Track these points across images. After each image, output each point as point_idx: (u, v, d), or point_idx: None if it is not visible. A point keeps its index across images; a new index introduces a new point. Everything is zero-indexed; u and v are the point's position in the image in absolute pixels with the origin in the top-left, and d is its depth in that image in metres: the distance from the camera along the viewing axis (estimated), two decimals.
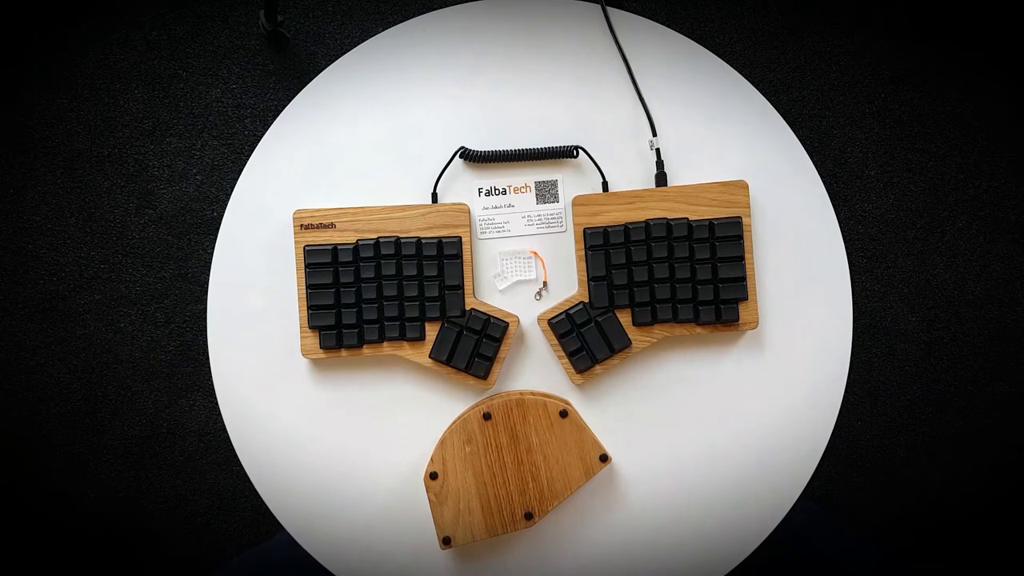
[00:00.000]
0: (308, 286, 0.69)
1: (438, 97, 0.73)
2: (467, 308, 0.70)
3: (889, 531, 1.35)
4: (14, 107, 1.33)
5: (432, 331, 0.70)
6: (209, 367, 0.72)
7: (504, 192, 0.73)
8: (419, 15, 0.74)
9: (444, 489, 0.68)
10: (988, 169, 1.36)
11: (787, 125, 0.73)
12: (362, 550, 0.71)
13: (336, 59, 0.73)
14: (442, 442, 0.68)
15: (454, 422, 0.69)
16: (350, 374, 0.72)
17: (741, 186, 0.70)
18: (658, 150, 0.72)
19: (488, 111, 0.73)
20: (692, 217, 0.70)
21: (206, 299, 0.72)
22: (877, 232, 1.36)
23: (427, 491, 0.68)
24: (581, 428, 0.69)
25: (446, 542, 0.68)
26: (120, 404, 1.32)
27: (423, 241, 0.69)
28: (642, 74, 0.73)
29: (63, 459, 1.32)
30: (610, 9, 0.73)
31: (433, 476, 0.68)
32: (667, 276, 0.69)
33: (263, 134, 0.73)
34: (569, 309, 0.70)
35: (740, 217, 0.70)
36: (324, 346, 0.70)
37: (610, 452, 0.72)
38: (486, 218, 0.73)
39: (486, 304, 0.70)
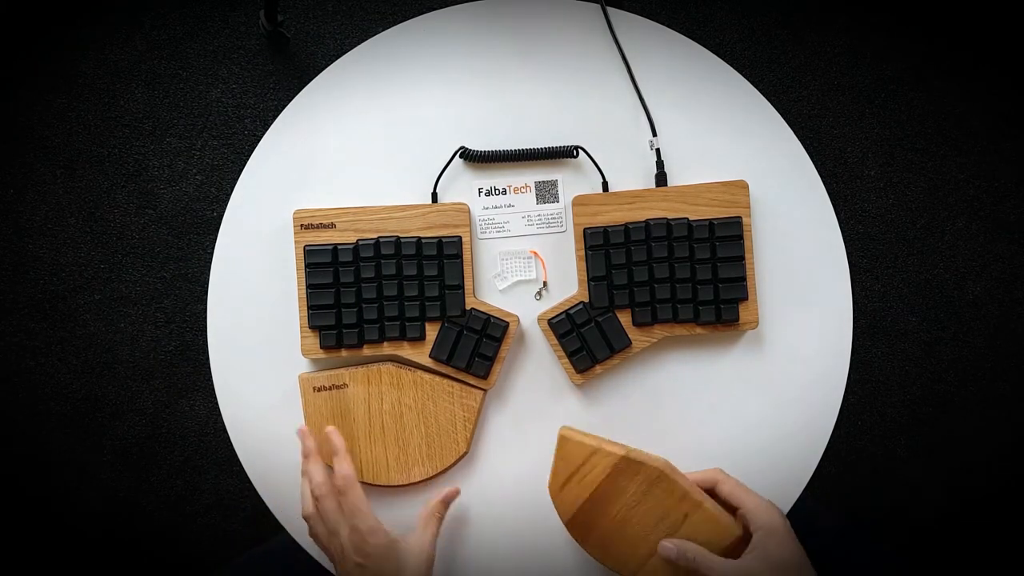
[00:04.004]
0: (308, 286, 0.69)
1: (438, 97, 0.73)
2: (467, 308, 0.70)
3: (889, 531, 1.35)
4: (14, 107, 1.33)
5: (432, 331, 0.70)
6: (209, 367, 0.72)
7: (504, 192, 0.73)
8: (419, 15, 0.74)
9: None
10: (988, 169, 1.36)
11: (787, 125, 0.73)
12: None
13: (336, 59, 0.73)
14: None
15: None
16: None
17: (741, 186, 0.70)
18: (658, 150, 0.72)
19: (488, 111, 0.73)
20: (692, 217, 0.70)
21: (206, 299, 0.72)
22: (877, 232, 1.36)
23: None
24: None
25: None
26: (120, 404, 1.32)
27: (423, 241, 0.69)
28: (642, 74, 0.73)
29: (63, 459, 1.32)
30: (610, 9, 0.73)
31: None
32: (667, 276, 0.69)
33: (263, 134, 0.73)
34: (569, 309, 0.70)
35: (740, 217, 0.70)
36: (324, 346, 0.70)
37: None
38: (486, 218, 0.73)
39: (486, 304, 0.70)
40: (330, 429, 0.68)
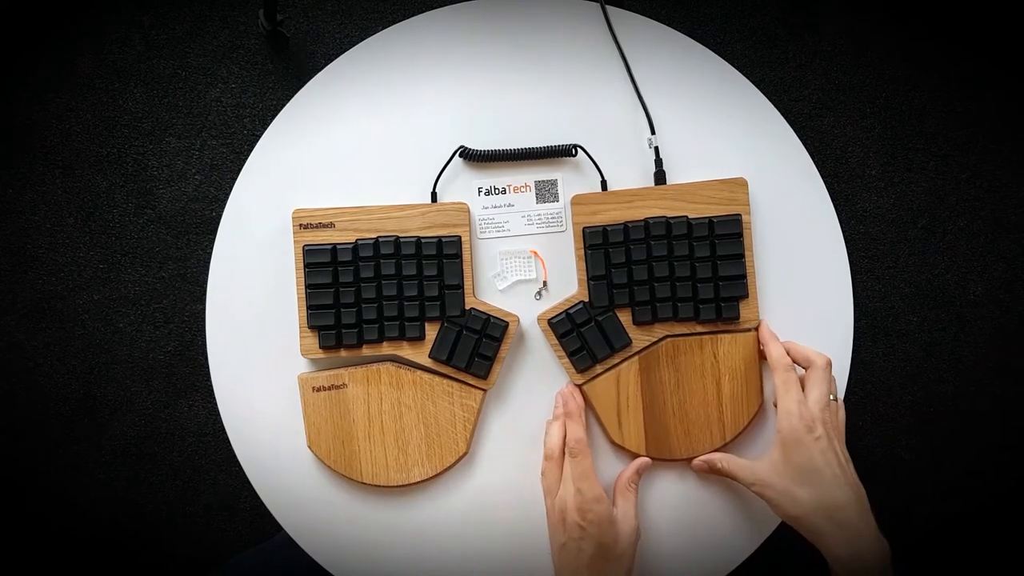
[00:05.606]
0: (307, 286, 0.69)
1: (437, 96, 0.73)
2: (467, 307, 0.70)
3: (889, 531, 1.34)
4: (14, 107, 1.33)
5: (432, 331, 0.70)
6: (208, 367, 0.72)
7: (504, 191, 0.73)
8: (419, 15, 0.74)
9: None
10: (989, 169, 1.36)
11: (787, 125, 0.73)
12: (362, 550, 0.71)
13: (335, 58, 0.73)
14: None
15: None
16: None
17: (740, 183, 0.70)
18: (657, 148, 0.72)
19: (488, 111, 0.73)
20: (691, 215, 0.70)
21: (205, 299, 0.72)
22: (878, 232, 1.35)
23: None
24: None
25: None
26: (119, 404, 1.32)
27: (423, 240, 0.69)
28: (642, 73, 0.73)
29: (63, 459, 1.32)
30: (610, 8, 0.73)
31: None
32: (667, 274, 0.69)
33: (262, 134, 0.73)
34: (569, 308, 0.70)
35: (739, 215, 0.70)
36: (323, 346, 0.69)
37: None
38: (486, 217, 0.72)
39: (486, 304, 0.70)
40: (569, 389, 0.70)
